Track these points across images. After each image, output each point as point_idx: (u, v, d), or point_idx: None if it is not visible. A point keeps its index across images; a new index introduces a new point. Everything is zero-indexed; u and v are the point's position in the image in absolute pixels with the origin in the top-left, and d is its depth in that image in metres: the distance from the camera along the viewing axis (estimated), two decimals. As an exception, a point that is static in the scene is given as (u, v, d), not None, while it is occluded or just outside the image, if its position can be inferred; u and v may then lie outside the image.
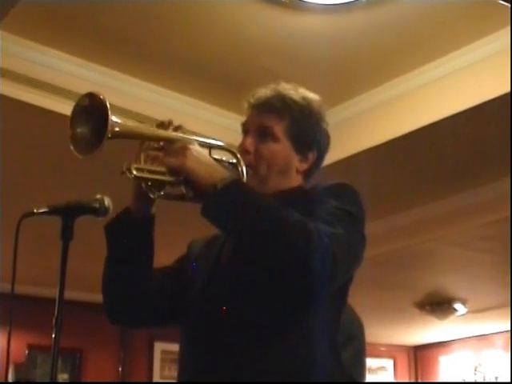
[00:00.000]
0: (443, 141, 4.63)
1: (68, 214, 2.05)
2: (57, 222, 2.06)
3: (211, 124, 4.71)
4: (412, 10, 3.85)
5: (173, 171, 1.80)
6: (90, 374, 8.66)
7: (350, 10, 3.87)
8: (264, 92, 2.09)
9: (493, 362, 9.98)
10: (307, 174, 2.11)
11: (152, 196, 1.91)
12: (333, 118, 4.67)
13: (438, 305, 8.47)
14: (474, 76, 4.18)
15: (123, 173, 1.81)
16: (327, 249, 1.70)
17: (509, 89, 3.87)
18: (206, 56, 4.28)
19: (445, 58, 4.28)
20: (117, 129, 1.75)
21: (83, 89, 4.22)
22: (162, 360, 9.17)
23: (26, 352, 8.20)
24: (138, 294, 2.05)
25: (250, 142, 2.04)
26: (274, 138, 2.03)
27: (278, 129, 2.03)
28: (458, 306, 8.48)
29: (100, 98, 1.76)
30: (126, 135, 1.82)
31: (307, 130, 2.07)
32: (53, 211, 2.06)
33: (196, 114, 4.70)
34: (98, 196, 2.09)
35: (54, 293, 1.99)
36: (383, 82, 4.56)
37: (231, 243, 1.97)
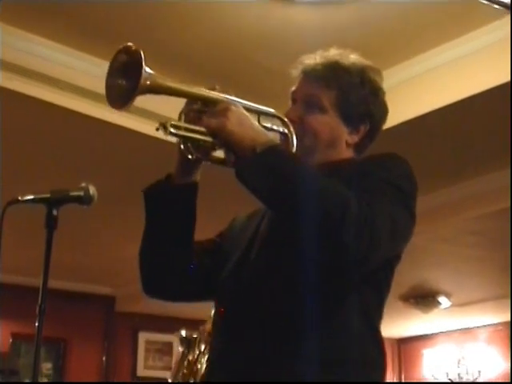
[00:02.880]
0: (428, 134, 4.64)
1: (53, 202, 2.04)
2: (41, 210, 2.05)
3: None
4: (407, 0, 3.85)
5: (212, 131, 1.69)
6: (73, 364, 8.65)
7: (339, 3, 3.86)
8: (313, 58, 1.99)
9: (476, 355, 10.02)
10: (359, 146, 1.99)
11: (190, 156, 1.80)
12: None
13: (422, 298, 8.50)
14: (467, 67, 4.18)
15: (158, 129, 1.69)
16: (365, 221, 1.60)
17: (508, 78, 3.87)
18: (195, 48, 4.27)
19: (440, 48, 4.28)
20: (148, 82, 1.67)
21: (70, 78, 4.24)
22: (146, 350, 9.16)
23: (10, 341, 8.18)
24: (176, 267, 1.95)
25: (295, 111, 1.93)
26: (321, 109, 1.92)
27: (326, 99, 1.93)
28: (442, 299, 8.50)
29: (135, 50, 1.68)
30: (161, 90, 1.73)
31: (358, 100, 1.95)
32: (37, 199, 2.05)
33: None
34: (83, 184, 2.08)
35: (39, 282, 1.98)
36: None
37: (269, 218, 1.88)
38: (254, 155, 1.65)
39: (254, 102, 1.86)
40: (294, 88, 2.00)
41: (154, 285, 2.02)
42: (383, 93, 2.04)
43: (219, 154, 1.80)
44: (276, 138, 1.83)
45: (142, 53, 1.67)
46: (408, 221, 1.81)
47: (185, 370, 4.75)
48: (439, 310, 8.70)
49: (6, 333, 8.08)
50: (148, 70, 1.67)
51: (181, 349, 4.72)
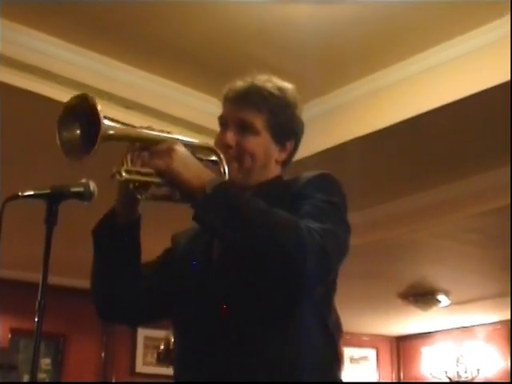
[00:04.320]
0: (429, 132, 4.64)
1: (53, 198, 2.04)
2: (41, 206, 2.04)
3: (198, 110, 4.70)
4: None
5: (160, 173, 1.80)
6: (72, 360, 8.65)
7: (339, 1, 3.86)
8: (240, 85, 2.09)
9: (475, 353, 10.02)
10: (285, 163, 2.13)
11: (139, 197, 1.89)
12: (319, 108, 4.70)
13: (422, 296, 8.50)
14: (467, 66, 4.19)
15: (113, 176, 1.80)
16: (319, 246, 1.73)
17: (509, 77, 3.87)
18: (195, 43, 4.27)
19: (439, 46, 4.29)
20: (111, 132, 1.76)
21: (70, 73, 4.23)
22: (145, 346, 9.16)
23: (9, 336, 8.18)
24: (127, 294, 2.06)
25: (231, 137, 2.03)
26: (255, 132, 2.03)
27: (258, 122, 2.03)
28: (441, 297, 8.50)
29: (90, 100, 1.77)
30: (116, 138, 1.81)
31: (285, 120, 2.08)
32: (37, 195, 2.05)
33: (183, 100, 4.70)
34: (83, 180, 2.08)
35: (38, 277, 1.98)
36: (374, 70, 4.56)
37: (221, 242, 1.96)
38: (205, 196, 1.76)
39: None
40: (222, 113, 2.11)
41: (109, 313, 2.14)
42: (300, 111, 2.15)
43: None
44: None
45: (98, 105, 1.76)
46: (346, 233, 1.92)
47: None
48: (438, 308, 8.70)
49: (5, 328, 8.08)
50: (106, 121, 1.75)
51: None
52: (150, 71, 4.55)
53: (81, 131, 1.79)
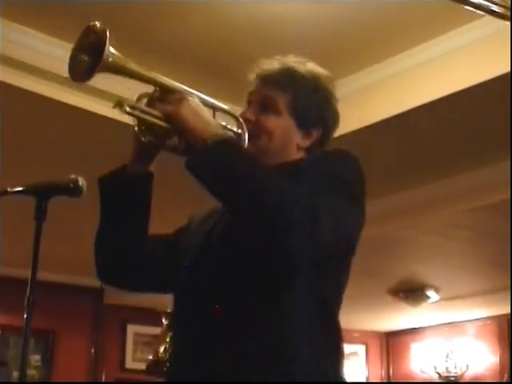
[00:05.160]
0: (421, 128, 4.65)
1: (42, 194, 2.04)
2: (31, 202, 2.04)
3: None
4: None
5: (166, 116, 1.76)
6: (62, 356, 8.64)
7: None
8: (270, 63, 2.04)
9: (464, 349, 10.04)
10: (310, 151, 2.04)
11: (143, 139, 1.84)
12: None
13: (411, 292, 8.51)
14: (464, 59, 4.19)
15: (115, 106, 1.76)
16: (308, 222, 1.66)
17: (508, 69, 3.87)
18: (193, 43, 4.27)
19: (437, 39, 4.28)
20: (111, 59, 1.72)
21: (59, 67, 4.21)
22: (135, 342, 9.16)
23: (-2, 333, 8.17)
24: (129, 256, 2.01)
25: (251, 112, 1.99)
26: (276, 111, 1.98)
27: (281, 101, 1.98)
28: (430, 293, 8.52)
29: (102, 29, 1.73)
30: (121, 70, 1.78)
31: (311, 105, 2.01)
32: (27, 191, 2.05)
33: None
34: (73, 176, 2.08)
35: (28, 274, 1.98)
36: (369, 65, 4.56)
37: (226, 217, 1.91)
38: (203, 147, 1.71)
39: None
40: (250, 91, 2.06)
41: (108, 273, 2.09)
42: (336, 100, 2.08)
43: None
44: None
45: (107, 32, 1.71)
46: (353, 212, 1.84)
47: (166, 346, 4.84)
48: (428, 303, 8.72)
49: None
50: (112, 49, 1.72)
51: (165, 322, 4.81)
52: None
53: (88, 56, 1.77)
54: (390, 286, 8.45)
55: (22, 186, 2.04)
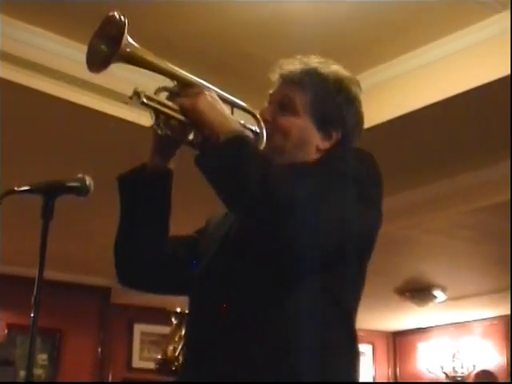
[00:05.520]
0: (423, 128, 4.64)
1: (49, 193, 2.04)
2: (38, 201, 2.04)
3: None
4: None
5: (183, 109, 1.76)
6: (69, 355, 8.65)
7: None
8: (292, 63, 2.02)
9: (471, 349, 10.03)
10: (330, 153, 1.97)
11: (159, 132, 1.83)
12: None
13: (418, 291, 8.50)
14: (465, 61, 4.19)
15: (131, 97, 1.75)
16: (311, 221, 1.64)
17: (508, 72, 3.88)
18: (195, 41, 4.26)
19: (438, 41, 4.27)
20: (128, 50, 1.73)
21: (69, 69, 4.23)
22: (142, 342, 9.16)
23: (6, 332, 8.17)
24: (150, 256, 1.98)
25: (269, 111, 1.97)
26: (294, 111, 1.95)
27: (300, 102, 1.95)
28: (437, 292, 8.51)
29: (121, 19, 1.76)
30: (139, 61, 1.79)
31: (332, 107, 1.97)
32: (34, 190, 2.05)
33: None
34: (80, 175, 2.08)
35: (35, 273, 1.98)
36: (371, 66, 4.55)
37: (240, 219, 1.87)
38: (214, 144, 1.69)
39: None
40: (271, 91, 2.04)
41: (127, 274, 2.05)
42: (360, 104, 2.04)
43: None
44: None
45: (126, 22, 1.73)
46: (366, 212, 1.82)
47: (175, 345, 4.84)
48: (434, 303, 8.71)
49: (2, 323, 8.07)
50: (130, 39, 1.72)
51: (174, 321, 4.81)
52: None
53: (106, 46, 1.77)
54: (396, 286, 8.44)
55: (28, 185, 2.04)
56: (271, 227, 1.65)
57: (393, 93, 4.52)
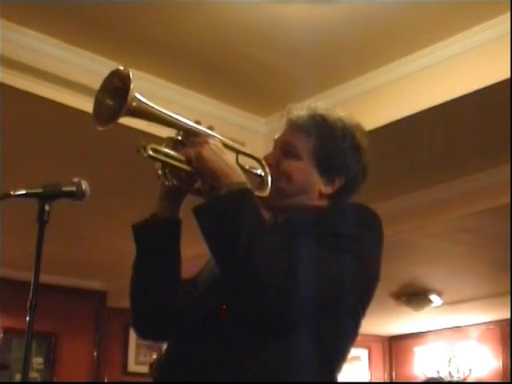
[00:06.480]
0: (423, 132, 4.65)
1: (45, 197, 2.04)
2: (34, 204, 2.04)
3: (193, 110, 4.69)
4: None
5: (188, 159, 1.78)
6: (65, 359, 8.64)
7: (334, 1, 3.86)
8: (300, 108, 2.05)
9: (467, 353, 10.03)
10: (334, 199, 2.01)
11: (166, 183, 1.86)
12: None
13: (414, 296, 8.50)
14: (465, 64, 4.19)
15: (138, 151, 1.76)
16: (294, 289, 1.66)
17: (508, 75, 3.88)
18: (190, 43, 4.27)
19: (438, 44, 4.29)
20: (135, 104, 1.74)
21: (65, 72, 4.23)
22: (137, 346, 9.14)
23: (1, 335, 8.16)
24: (165, 303, 1.98)
25: (273, 156, 2.01)
26: (296, 156, 1.98)
27: (302, 147, 1.99)
28: (433, 297, 8.51)
29: (126, 74, 1.75)
30: (146, 114, 1.80)
31: (336, 153, 1.99)
32: (30, 194, 2.05)
33: (179, 99, 4.69)
34: (76, 180, 2.08)
35: (30, 276, 1.98)
36: (369, 69, 4.56)
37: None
38: (215, 197, 1.73)
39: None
40: (276, 136, 2.08)
41: (149, 326, 2.04)
42: (365, 152, 2.05)
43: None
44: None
45: (131, 76, 1.74)
46: (359, 272, 1.90)
47: None
48: (431, 308, 8.71)
49: (-2, 327, 8.07)
50: (136, 94, 1.73)
51: None
52: (147, 71, 4.53)
53: (112, 101, 1.78)
54: (392, 290, 8.44)
55: (24, 189, 2.04)
56: (248, 298, 1.69)
57: (392, 96, 4.52)
